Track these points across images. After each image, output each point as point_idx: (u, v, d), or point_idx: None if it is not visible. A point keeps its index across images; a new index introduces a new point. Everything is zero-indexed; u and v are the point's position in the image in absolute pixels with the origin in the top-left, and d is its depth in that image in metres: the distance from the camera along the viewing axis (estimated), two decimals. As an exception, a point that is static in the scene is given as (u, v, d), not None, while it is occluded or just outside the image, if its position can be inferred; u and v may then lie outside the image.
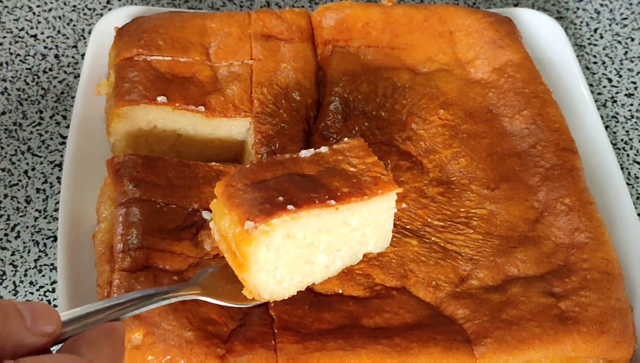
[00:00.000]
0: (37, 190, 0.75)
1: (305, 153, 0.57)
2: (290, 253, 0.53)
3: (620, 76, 0.87)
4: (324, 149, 0.57)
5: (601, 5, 0.94)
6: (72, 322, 0.44)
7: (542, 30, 0.84)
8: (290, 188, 0.53)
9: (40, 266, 0.70)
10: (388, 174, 0.56)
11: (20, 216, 0.73)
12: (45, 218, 0.73)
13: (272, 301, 0.56)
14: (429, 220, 0.65)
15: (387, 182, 0.55)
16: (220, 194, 0.53)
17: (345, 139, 0.59)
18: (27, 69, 0.84)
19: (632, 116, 0.84)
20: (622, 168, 0.78)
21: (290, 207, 0.51)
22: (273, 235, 0.51)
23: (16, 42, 0.86)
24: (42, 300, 0.68)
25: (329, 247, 0.55)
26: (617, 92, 0.86)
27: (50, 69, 0.84)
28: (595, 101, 0.83)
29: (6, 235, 0.71)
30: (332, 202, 0.53)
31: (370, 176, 0.55)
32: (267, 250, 0.52)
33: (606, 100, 0.85)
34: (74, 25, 0.88)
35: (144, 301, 0.50)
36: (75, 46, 0.86)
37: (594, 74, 0.87)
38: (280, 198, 0.52)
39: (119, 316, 0.47)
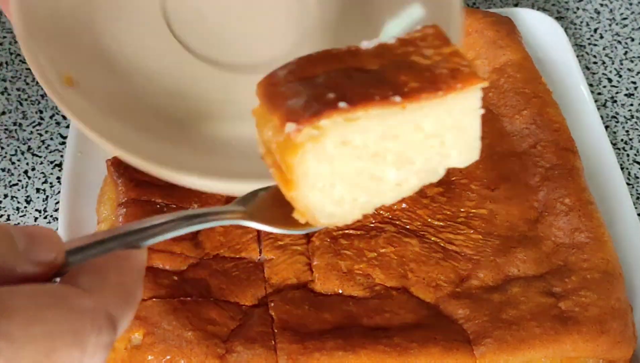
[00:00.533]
0: (37, 190, 0.75)
1: (366, 44, 0.47)
2: (349, 166, 0.43)
3: (620, 76, 0.87)
4: (390, 39, 0.47)
5: (601, 5, 0.94)
6: (79, 251, 0.34)
7: (542, 30, 0.84)
8: (345, 84, 0.43)
9: (40, 266, 0.70)
10: (470, 65, 0.46)
11: (20, 216, 0.73)
12: (45, 218, 0.73)
13: (271, 303, 0.55)
14: (429, 220, 0.65)
15: (469, 74, 0.45)
16: (261, 96, 0.44)
17: (418, 26, 0.48)
18: (27, 69, 0.84)
19: (632, 116, 0.84)
20: (622, 168, 0.78)
21: (342, 105, 0.42)
22: (323, 142, 0.42)
23: (16, 42, 0.86)
24: (42, 300, 0.68)
25: (399, 159, 0.45)
26: (617, 92, 0.86)
27: (50, 69, 0.84)
28: (595, 101, 0.83)
29: (6, 234, 0.71)
30: (398, 99, 0.43)
31: (447, 68, 0.45)
32: (318, 160, 0.42)
33: (606, 100, 0.85)
34: (74, 25, 0.88)
35: (173, 224, 0.40)
36: (75, 46, 0.86)
37: (594, 74, 0.87)
38: (331, 95, 0.42)
39: (139, 242, 0.37)
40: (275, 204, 0.45)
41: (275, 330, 0.57)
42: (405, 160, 0.44)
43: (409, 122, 0.43)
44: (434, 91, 0.43)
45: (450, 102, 0.44)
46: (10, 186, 0.75)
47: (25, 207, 0.73)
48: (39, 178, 0.75)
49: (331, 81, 0.43)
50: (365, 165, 0.43)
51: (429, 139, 0.44)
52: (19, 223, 0.72)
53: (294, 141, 0.41)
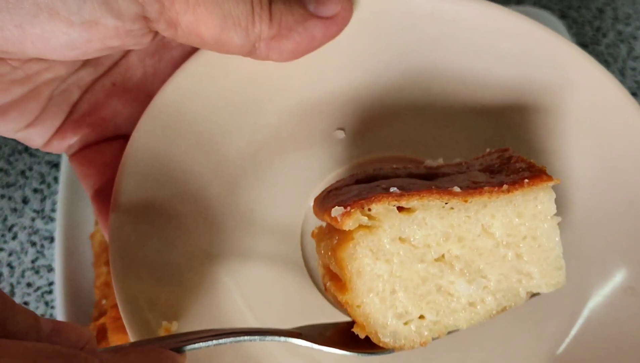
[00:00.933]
0: (35, 190, 0.74)
1: (430, 162, 0.44)
2: (411, 270, 0.39)
3: (624, 75, 0.87)
4: (457, 159, 0.45)
5: (604, 4, 0.94)
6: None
7: (544, 29, 0.83)
8: (402, 182, 0.40)
9: (38, 267, 0.69)
10: (539, 168, 0.41)
11: (18, 217, 0.72)
12: (42, 218, 0.72)
13: None
14: None
15: (538, 171, 0.40)
16: (315, 207, 0.42)
17: (487, 149, 0.46)
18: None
19: (636, 116, 0.83)
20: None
21: (394, 189, 0.38)
22: (377, 233, 0.38)
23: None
24: (39, 301, 0.67)
25: (469, 269, 0.40)
26: (620, 92, 0.85)
27: (48, 68, 0.83)
28: (599, 101, 0.83)
29: (3, 235, 0.71)
30: (457, 189, 0.39)
31: (514, 169, 0.42)
32: (373, 255, 0.39)
33: (609, 99, 0.84)
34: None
35: (221, 336, 0.38)
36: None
37: (597, 73, 0.86)
38: (385, 185, 0.39)
39: (182, 346, 0.36)
40: (341, 332, 0.42)
41: None
42: (476, 272, 0.40)
43: (473, 223, 0.40)
44: (498, 186, 0.40)
45: (518, 201, 0.40)
46: (7, 187, 0.74)
47: (23, 207, 0.72)
48: (36, 178, 0.75)
49: (388, 178, 0.40)
50: (428, 270, 0.40)
51: (500, 248, 0.41)
52: (16, 224, 0.71)
53: (342, 226, 0.38)
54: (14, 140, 0.77)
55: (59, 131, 0.48)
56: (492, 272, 0.41)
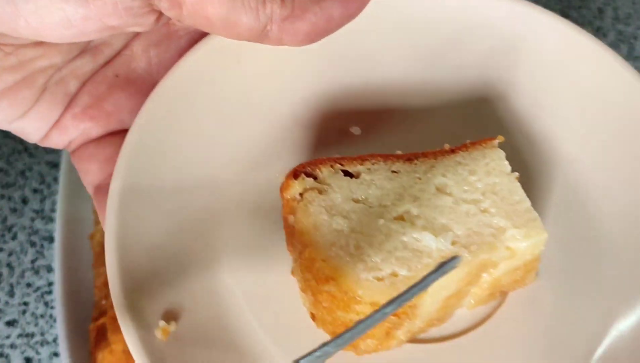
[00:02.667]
0: (34, 191, 0.74)
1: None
2: (371, 226, 0.40)
3: (624, 75, 0.87)
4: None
5: (605, 4, 0.93)
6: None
7: (545, 29, 0.83)
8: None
9: (37, 267, 0.69)
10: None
11: (17, 217, 0.72)
12: (42, 218, 0.72)
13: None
14: None
15: (485, 139, 0.44)
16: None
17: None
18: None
19: (636, 116, 0.83)
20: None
21: (336, 156, 0.42)
22: (328, 193, 0.41)
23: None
24: (38, 301, 0.67)
25: (431, 225, 0.41)
26: (621, 92, 0.85)
27: (48, 68, 0.83)
28: (599, 101, 0.83)
29: (2, 235, 0.71)
30: (399, 152, 0.42)
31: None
32: (328, 212, 0.40)
33: (610, 99, 0.84)
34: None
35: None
36: (73, 45, 0.85)
37: (597, 73, 0.86)
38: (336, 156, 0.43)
39: None
40: None
41: None
42: (441, 227, 0.41)
43: (425, 183, 0.41)
44: (440, 149, 0.42)
45: (467, 161, 0.42)
46: (7, 187, 0.74)
47: (22, 208, 0.72)
48: (36, 179, 0.74)
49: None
50: (391, 227, 0.40)
51: (460, 204, 0.41)
52: (15, 224, 0.71)
53: (288, 189, 0.40)
54: (14, 140, 0.77)
55: (58, 123, 0.46)
56: (459, 227, 0.41)
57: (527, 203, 0.41)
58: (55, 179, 0.74)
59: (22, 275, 0.68)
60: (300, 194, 0.41)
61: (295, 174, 0.42)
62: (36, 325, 0.65)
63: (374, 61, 0.50)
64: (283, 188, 0.42)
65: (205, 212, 0.46)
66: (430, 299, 0.39)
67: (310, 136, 0.49)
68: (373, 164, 0.42)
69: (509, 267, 0.41)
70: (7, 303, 0.66)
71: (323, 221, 0.40)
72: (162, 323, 0.41)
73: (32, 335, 0.65)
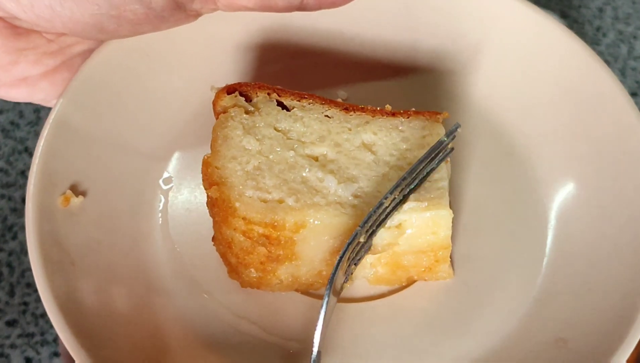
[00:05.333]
0: (34, 190, 0.74)
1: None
2: (279, 154, 0.41)
3: (624, 75, 0.87)
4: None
5: (604, 3, 0.94)
6: None
7: (545, 29, 0.83)
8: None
9: (37, 267, 0.69)
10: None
11: (18, 217, 0.72)
12: (42, 218, 0.72)
13: None
14: None
15: (432, 111, 0.43)
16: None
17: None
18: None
19: (636, 116, 0.83)
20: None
21: (279, 87, 0.42)
22: (253, 115, 0.42)
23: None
24: (38, 301, 0.67)
25: (340, 172, 0.41)
26: (620, 92, 0.85)
27: (48, 68, 0.84)
28: (599, 100, 0.83)
29: (3, 235, 0.71)
30: (340, 99, 0.43)
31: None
32: (245, 130, 0.41)
33: (610, 99, 0.84)
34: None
35: None
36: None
37: (597, 73, 0.86)
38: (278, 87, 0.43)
39: None
40: None
41: None
42: (349, 177, 0.41)
43: (353, 135, 0.42)
44: (381, 108, 0.42)
45: (405, 128, 0.42)
46: (7, 187, 0.74)
47: (22, 207, 0.72)
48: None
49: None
50: (298, 161, 0.41)
51: (380, 165, 0.41)
52: (15, 224, 0.71)
53: (217, 101, 0.41)
54: (14, 140, 0.77)
55: None
56: (367, 184, 0.41)
57: (444, 182, 0.41)
58: (55, 179, 0.74)
59: (22, 275, 0.68)
60: (229, 110, 0.42)
61: (229, 90, 0.43)
62: (36, 325, 0.65)
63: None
64: (214, 100, 0.43)
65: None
66: (313, 241, 0.39)
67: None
68: (309, 103, 0.43)
69: (410, 245, 0.40)
70: (7, 303, 0.66)
71: (235, 136, 0.41)
72: (68, 192, 0.42)
73: (32, 335, 0.65)
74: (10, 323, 0.65)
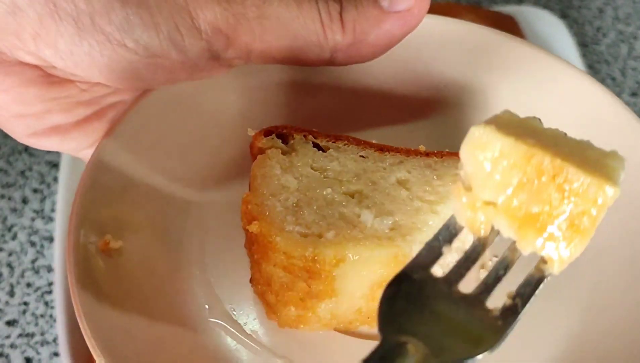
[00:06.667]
0: (34, 190, 0.74)
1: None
2: (317, 191, 0.41)
3: (625, 75, 0.87)
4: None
5: (605, 3, 0.94)
6: None
7: (545, 29, 0.83)
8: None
9: (37, 267, 0.69)
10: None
11: (17, 217, 0.72)
12: (42, 218, 0.72)
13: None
14: None
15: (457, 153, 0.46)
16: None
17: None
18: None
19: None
20: (626, 168, 0.77)
21: (314, 130, 0.44)
22: (290, 156, 0.43)
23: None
24: (39, 301, 0.67)
25: (377, 207, 0.41)
26: (620, 92, 0.85)
27: (48, 68, 0.83)
28: (599, 100, 0.83)
29: (3, 235, 0.71)
30: (374, 141, 0.44)
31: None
32: (282, 169, 0.42)
33: (610, 99, 0.84)
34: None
35: None
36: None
37: (597, 72, 0.86)
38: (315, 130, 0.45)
39: None
40: None
41: None
42: (385, 212, 0.41)
43: (388, 173, 0.43)
44: (415, 149, 0.43)
45: (438, 167, 0.43)
46: (7, 187, 0.74)
47: (22, 208, 0.72)
48: (36, 178, 0.74)
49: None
50: (335, 198, 0.41)
51: (414, 201, 0.42)
52: (15, 224, 0.71)
53: (255, 142, 0.42)
54: (14, 140, 0.77)
55: None
56: (402, 218, 0.41)
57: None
58: (55, 179, 0.74)
59: (22, 275, 0.68)
60: (266, 151, 0.43)
61: (266, 132, 0.43)
62: (36, 325, 0.65)
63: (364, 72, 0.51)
64: (252, 142, 0.43)
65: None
66: (352, 276, 0.39)
67: None
68: (345, 144, 0.44)
69: None
70: (7, 303, 0.66)
71: (273, 174, 0.41)
72: (108, 236, 0.42)
73: (32, 335, 0.65)
74: (10, 323, 0.65)
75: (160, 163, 0.46)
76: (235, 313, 0.43)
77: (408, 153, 0.44)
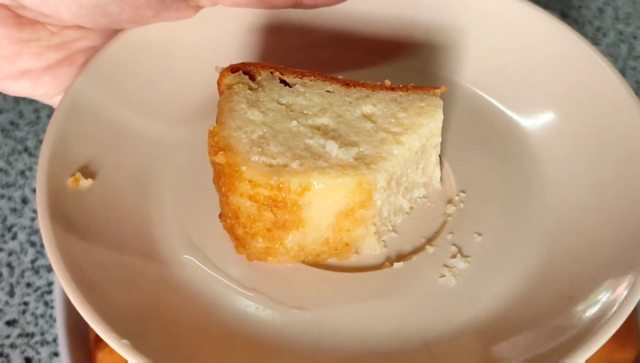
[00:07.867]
0: (34, 190, 0.74)
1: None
2: (283, 124, 0.43)
3: (625, 75, 0.87)
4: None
5: (605, 3, 0.93)
6: None
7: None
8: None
9: (37, 267, 0.69)
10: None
11: (17, 217, 0.72)
12: (42, 218, 0.72)
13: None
14: None
15: (429, 86, 0.46)
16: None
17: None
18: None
19: (636, 115, 0.83)
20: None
21: (281, 66, 0.45)
22: (256, 91, 0.44)
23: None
24: (38, 301, 0.67)
25: (342, 138, 0.43)
26: (620, 91, 0.85)
27: (48, 68, 0.83)
28: (599, 100, 0.83)
29: (2, 235, 0.71)
30: (341, 77, 0.46)
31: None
32: (249, 104, 0.43)
33: (610, 99, 0.84)
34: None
35: None
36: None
37: (597, 72, 0.86)
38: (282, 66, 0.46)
39: None
40: None
41: None
42: (350, 143, 0.43)
43: (354, 106, 0.44)
44: (381, 83, 0.45)
45: (403, 100, 0.45)
46: (7, 187, 0.74)
47: (22, 208, 0.72)
48: (36, 178, 0.74)
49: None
50: (301, 130, 0.43)
51: (379, 132, 0.43)
52: (15, 224, 0.71)
53: (222, 80, 0.43)
54: (14, 140, 0.77)
55: None
56: (367, 147, 0.43)
57: (438, 149, 0.45)
58: (55, 179, 0.74)
59: (22, 275, 0.68)
60: (233, 86, 0.44)
61: (233, 69, 0.44)
62: (36, 325, 0.65)
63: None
64: (219, 79, 0.44)
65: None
66: (318, 204, 0.41)
67: None
68: (311, 80, 0.45)
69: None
70: (7, 303, 0.66)
71: (239, 108, 0.42)
72: (78, 173, 0.44)
73: (32, 335, 0.65)
74: (10, 323, 0.65)
75: (131, 102, 0.49)
76: (205, 248, 0.44)
77: (374, 87, 0.46)
